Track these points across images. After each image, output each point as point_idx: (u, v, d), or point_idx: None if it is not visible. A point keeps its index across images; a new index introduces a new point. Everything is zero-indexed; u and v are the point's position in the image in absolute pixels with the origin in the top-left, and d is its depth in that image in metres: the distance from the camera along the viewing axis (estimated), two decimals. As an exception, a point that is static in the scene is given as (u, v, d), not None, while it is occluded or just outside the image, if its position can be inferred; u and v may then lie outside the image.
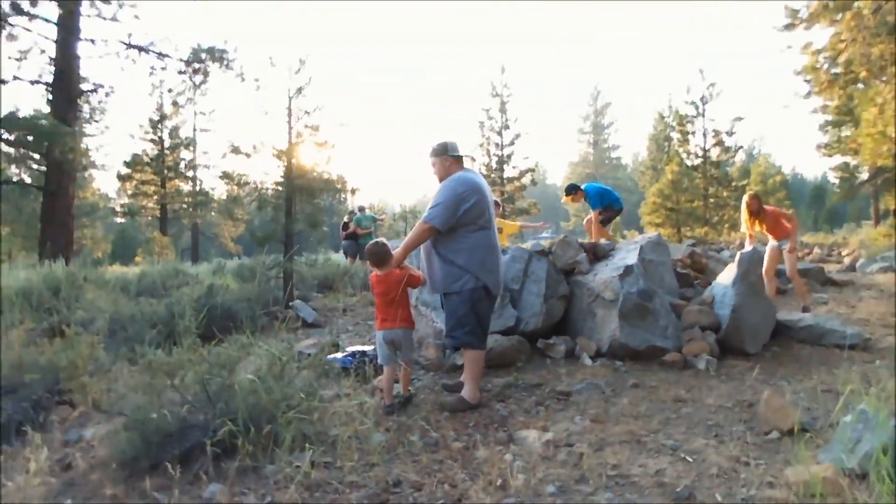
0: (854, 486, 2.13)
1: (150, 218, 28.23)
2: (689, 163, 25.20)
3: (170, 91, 26.13)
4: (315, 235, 8.00)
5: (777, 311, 5.34)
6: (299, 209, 8.14)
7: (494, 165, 30.51)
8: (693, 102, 24.92)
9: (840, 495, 2.09)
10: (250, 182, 8.29)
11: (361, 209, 11.97)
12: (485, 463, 2.63)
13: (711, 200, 24.47)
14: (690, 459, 2.62)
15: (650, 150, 44.17)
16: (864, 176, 23.01)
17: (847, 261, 13.32)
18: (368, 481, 2.50)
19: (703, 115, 24.91)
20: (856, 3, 7.74)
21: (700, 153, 25.12)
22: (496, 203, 6.90)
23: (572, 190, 7.72)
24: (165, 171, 26.27)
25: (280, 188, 8.27)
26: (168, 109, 27.07)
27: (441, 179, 3.70)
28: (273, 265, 7.86)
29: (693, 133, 25.22)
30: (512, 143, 30.69)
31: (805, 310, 6.11)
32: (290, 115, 8.03)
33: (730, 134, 24.24)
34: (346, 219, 12.52)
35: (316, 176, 8.35)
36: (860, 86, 13.37)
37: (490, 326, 4.66)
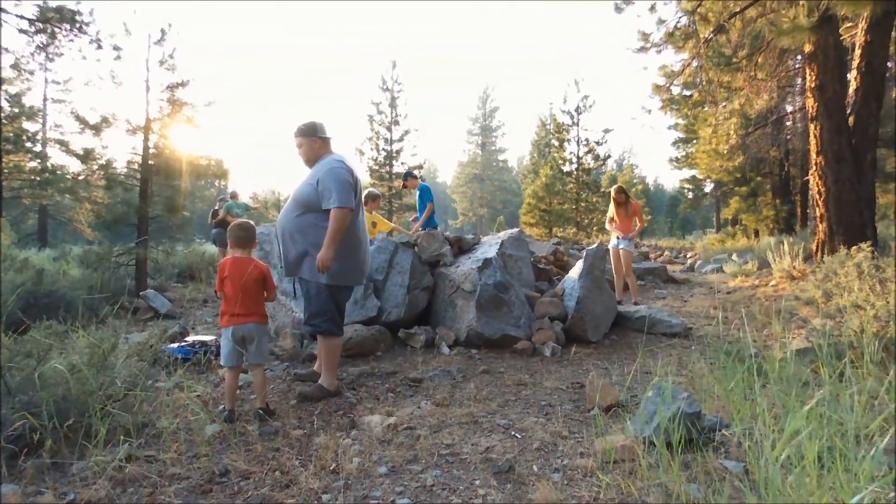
0: (646, 451, 2.41)
1: (-19, 196, 24.38)
2: (564, 168, 26.95)
3: (6, 51, 22.65)
4: (174, 220, 7.42)
5: (619, 303, 5.90)
6: (157, 192, 7.51)
7: (383, 160, 30.39)
8: (569, 112, 26.68)
9: (634, 460, 2.35)
10: (98, 158, 7.48)
11: (233, 195, 11.30)
12: (321, 449, 2.61)
13: (583, 204, 26.39)
14: (519, 436, 2.80)
15: (532, 154, 46.58)
16: (709, 188, 26.11)
17: (688, 262, 15.08)
18: (192, 473, 2.37)
19: (578, 125, 26.78)
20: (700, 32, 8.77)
21: (574, 160, 26.96)
22: (377, 196, 6.91)
23: (407, 177, 7.92)
24: (2, 143, 22.80)
25: (135, 167, 7.56)
26: (7, 73, 23.51)
27: (308, 161, 3.57)
28: (123, 251, 7.17)
29: (568, 141, 27.00)
30: (401, 139, 30.76)
31: (636, 303, 6.78)
32: (148, 87, 7.37)
33: (599, 144, 26.25)
34: (216, 206, 11.77)
35: (178, 156, 7.75)
36: (706, 108, 15.17)
37: (351, 316, 4.66)
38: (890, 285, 3.76)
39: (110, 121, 7.34)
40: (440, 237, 5.50)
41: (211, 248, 12.67)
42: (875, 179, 8.33)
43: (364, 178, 29.09)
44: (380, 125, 30.59)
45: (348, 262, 3.49)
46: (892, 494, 1.35)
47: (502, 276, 5.00)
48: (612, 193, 7.32)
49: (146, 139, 7.27)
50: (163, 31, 7.44)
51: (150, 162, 7.21)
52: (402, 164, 30.39)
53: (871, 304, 3.52)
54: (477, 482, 2.28)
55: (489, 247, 5.52)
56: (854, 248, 4.90)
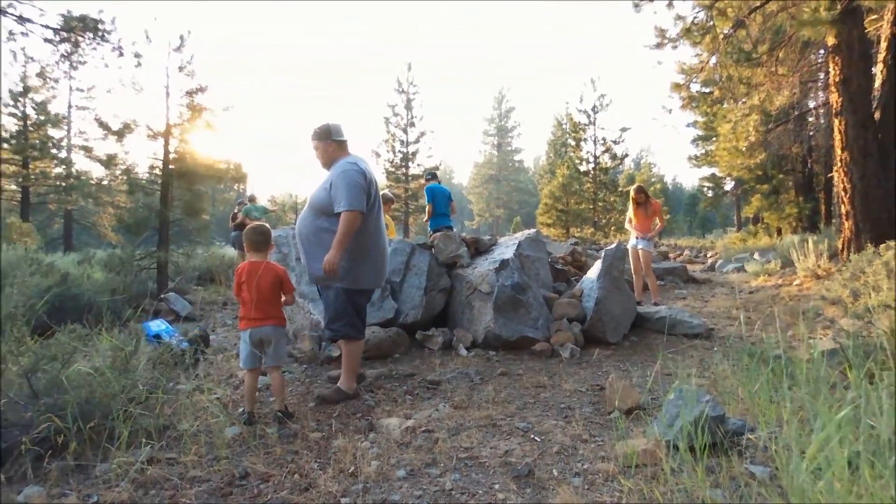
0: (669, 455, 2.36)
1: (11, 202, 25.02)
2: (581, 168, 26.76)
3: (32, 60, 23.20)
4: (195, 224, 7.53)
5: (639, 304, 5.82)
6: (177, 196, 7.62)
7: (399, 162, 30.52)
8: (585, 111, 26.48)
9: (656, 464, 2.31)
10: (120, 164, 7.62)
11: (252, 199, 11.45)
12: (340, 451, 2.61)
13: (600, 204, 26.17)
14: (538, 439, 2.77)
15: (549, 154, 46.33)
16: (729, 186, 25.71)
17: (709, 261, 14.84)
18: (213, 475, 2.39)
19: (594, 124, 26.58)
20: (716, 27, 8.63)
21: (591, 159, 26.76)
22: (390, 198, 6.94)
23: (429, 177, 8.16)
24: (28, 150, 23.39)
25: (157, 172, 7.69)
26: (34, 81, 24.11)
27: (325, 164, 3.58)
28: (145, 255, 7.29)
29: (585, 140, 26.80)
30: (417, 141, 30.88)
31: (656, 304, 6.69)
32: (168, 93, 7.49)
33: (617, 143, 26.02)
34: (235, 209, 11.94)
35: (198, 161, 7.86)
36: (725, 104, 14.96)
37: (369, 318, 4.67)
38: (921, 284, 3.65)
39: (132, 126, 7.47)
40: (457, 238, 5.48)
41: (231, 251, 12.84)
42: (903, 175, 8.09)
43: (380, 180, 29.23)
44: (396, 127, 30.74)
45: (365, 264, 3.48)
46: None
47: (520, 277, 4.97)
48: (632, 193, 7.25)
49: (167, 144, 7.39)
50: (181, 38, 7.56)
51: (170, 166, 7.32)
52: (418, 165, 30.49)
53: (902, 304, 3.41)
54: (496, 486, 2.26)
55: (506, 248, 5.49)
56: (882, 245, 4.77)
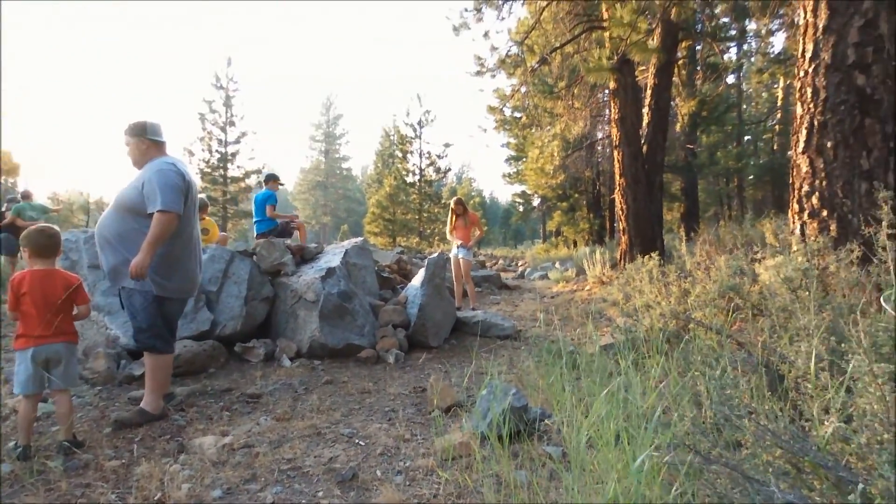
0: (481, 445, 2.60)
1: None
2: (408, 179, 27.65)
3: None
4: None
5: (458, 309, 6.24)
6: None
7: (216, 163, 28.28)
8: (412, 125, 27.48)
9: (470, 455, 2.53)
10: None
11: (26, 195, 9.62)
12: (144, 478, 2.36)
13: (425, 215, 27.29)
14: (363, 443, 2.83)
15: (377, 164, 46.89)
16: (536, 203, 28.79)
17: (520, 270, 16.43)
18: (-27, 525, 2.00)
19: (420, 138, 27.70)
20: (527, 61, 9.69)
21: (417, 171, 27.80)
22: (205, 204, 6.43)
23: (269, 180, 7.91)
24: None
25: None
26: None
27: (136, 163, 3.28)
28: None
29: (411, 153, 27.77)
30: (237, 141, 28.95)
31: (474, 309, 7.25)
32: None
33: (441, 157, 27.45)
34: (3, 207, 9.92)
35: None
36: (533, 130, 16.77)
37: (181, 331, 4.29)
38: (672, 288, 4.54)
39: None
40: (281, 246, 5.31)
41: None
42: (662, 199, 9.94)
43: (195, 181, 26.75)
44: (213, 125, 28.45)
45: (178, 271, 3.23)
46: (666, 458, 1.66)
47: (346, 285, 4.99)
48: (452, 205, 7.76)
49: None
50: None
51: None
52: (238, 167, 28.57)
53: (658, 304, 4.20)
54: (320, 493, 2.26)
55: (333, 256, 5.47)
56: (647, 256, 5.82)
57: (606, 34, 8.24)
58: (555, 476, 2.25)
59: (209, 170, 28.09)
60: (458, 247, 7.63)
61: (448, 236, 7.90)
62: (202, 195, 6.51)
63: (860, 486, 1.01)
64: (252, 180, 28.17)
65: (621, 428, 2.16)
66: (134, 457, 2.64)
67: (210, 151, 28.25)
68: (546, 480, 2.16)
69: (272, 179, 7.71)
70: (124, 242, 3.11)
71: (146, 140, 3.26)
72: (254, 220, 7.69)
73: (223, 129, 28.58)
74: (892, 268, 2.45)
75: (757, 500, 1.28)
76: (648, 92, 9.19)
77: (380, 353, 4.78)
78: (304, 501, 2.20)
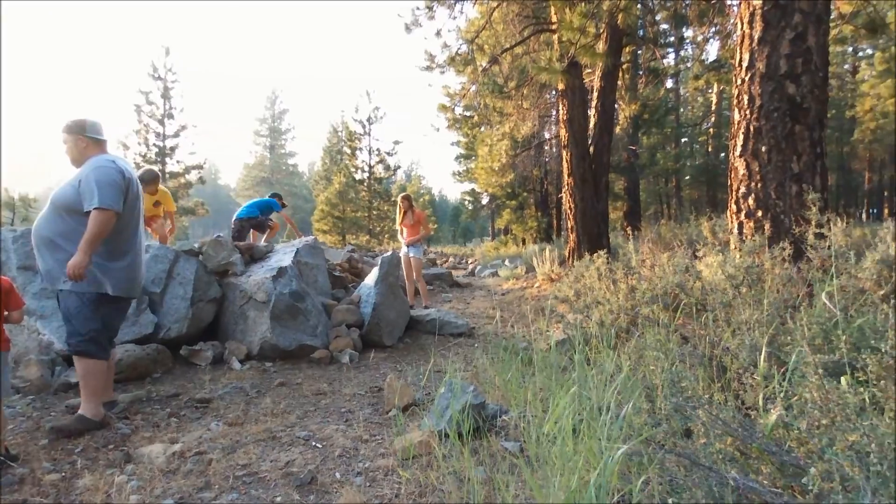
0: (441, 443, 2.62)
1: None
2: (357, 176, 27.34)
3: None
4: None
5: (411, 307, 6.23)
6: None
7: (154, 157, 26.99)
8: (361, 121, 27.18)
9: (430, 453, 2.54)
10: None
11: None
12: (87, 491, 2.24)
13: (375, 212, 27.07)
14: (320, 446, 2.79)
15: (324, 161, 46.12)
16: (485, 201, 29.10)
17: (470, 267, 16.57)
18: None
19: (370, 135, 27.43)
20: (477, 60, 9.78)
21: (366, 168, 27.53)
22: (157, 175, 6.21)
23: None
24: None
25: None
26: None
27: (74, 161, 3.13)
28: None
29: (360, 149, 27.47)
30: (177, 135, 27.74)
31: (427, 307, 7.27)
32: None
33: (390, 154, 27.28)
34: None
35: None
36: (483, 129, 16.95)
37: (122, 335, 4.10)
38: (620, 284, 4.71)
39: None
40: (229, 244, 5.14)
41: None
42: (608, 198, 10.27)
43: (130, 175, 25.41)
44: (150, 117, 27.12)
45: (119, 270, 3.08)
46: (622, 449, 1.73)
47: (298, 284, 4.89)
48: (399, 201, 7.78)
49: None
50: None
51: None
52: (177, 162, 27.38)
53: (607, 300, 4.35)
54: (278, 499, 2.22)
55: (284, 255, 5.34)
56: (595, 254, 6.00)
57: (555, 37, 8.43)
58: (514, 471, 2.30)
59: (146, 164, 26.75)
60: (407, 245, 7.64)
61: (399, 237, 7.91)
62: (152, 167, 6.29)
63: (811, 470, 1.09)
64: (193, 176, 27.07)
65: (577, 422, 2.23)
66: (75, 469, 2.49)
67: (147, 145, 26.93)
68: (506, 475, 2.20)
69: (279, 197, 8.78)
70: (64, 241, 2.96)
71: (85, 138, 3.12)
72: (238, 211, 8.24)
73: (161, 122, 27.30)
74: (819, 264, 2.64)
75: (711, 486, 1.35)
76: (595, 94, 9.47)
77: (334, 353, 4.71)
78: (262, 507, 2.15)
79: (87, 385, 3.00)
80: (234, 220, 8.14)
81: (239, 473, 2.45)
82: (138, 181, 3.26)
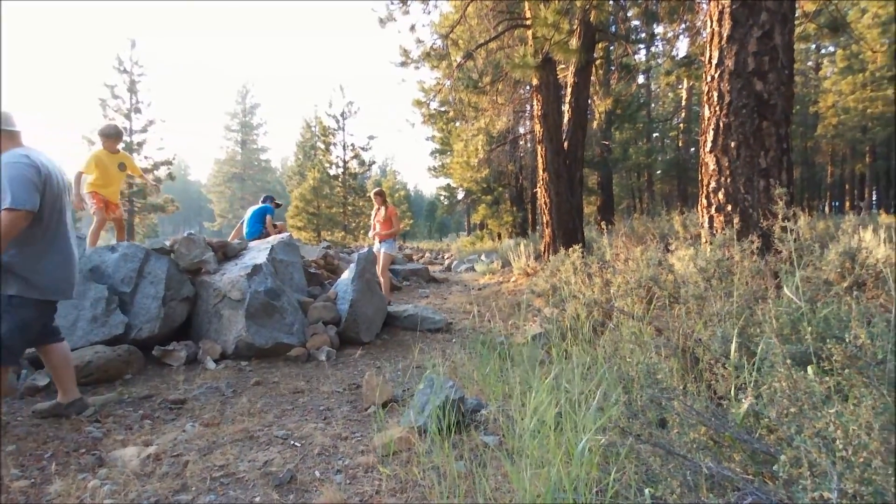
0: (421, 439, 2.63)
1: None
2: (331, 171, 27.07)
3: None
4: None
5: (389, 303, 6.22)
6: None
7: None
8: (334, 116, 26.90)
9: (411, 448, 2.55)
10: None
11: None
12: (60, 497, 2.19)
13: (350, 208, 26.86)
14: (299, 445, 2.77)
15: (298, 156, 45.50)
16: (461, 196, 29.13)
17: (446, 262, 16.60)
18: None
19: (344, 130, 27.17)
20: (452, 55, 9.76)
21: (341, 164, 27.27)
22: (119, 131, 6.03)
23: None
24: None
25: None
26: None
27: None
28: None
29: (335, 144, 27.20)
30: (145, 130, 27.07)
31: (389, 303, 7.28)
32: None
33: (365, 149, 27.08)
34: None
35: None
36: (458, 124, 16.95)
37: (91, 336, 4.00)
38: (595, 278, 4.78)
39: None
40: (201, 242, 5.04)
41: None
42: (582, 193, 10.39)
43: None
44: (115, 112, 26.37)
45: (44, 271, 2.90)
46: (604, 440, 1.76)
47: (273, 282, 4.83)
48: (372, 195, 7.80)
49: None
50: None
51: None
52: (145, 157, 26.70)
53: (583, 294, 4.42)
54: (257, 499, 2.20)
55: (258, 252, 5.27)
56: (570, 248, 6.08)
57: (530, 32, 8.46)
58: (492, 464, 2.32)
59: (112, 160, 26.03)
60: (378, 240, 7.68)
61: (371, 232, 7.95)
62: (112, 122, 6.06)
63: (781, 457, 1.13)
64: (162, 172, 26.44)
65: (554, 415, 2.26)
66: (45, 474, 2.43)
67: (113, 140, 26.17)
68: (486, 469, 2.22)
69: (271, 199, 8.55)
70: None
71: None
72: (246, 230, 8.06)
73: (127, 117, 26.56)
74: (786, 257, 2.72)
75: (686, 474, 1.39)
76: (569, 90, 9.55)
77: (311, 351, 4.68)
78: (241, 508, 2.13)
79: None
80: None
81: (216, 474, 2.42)
82: (61, 174, 3.09)
